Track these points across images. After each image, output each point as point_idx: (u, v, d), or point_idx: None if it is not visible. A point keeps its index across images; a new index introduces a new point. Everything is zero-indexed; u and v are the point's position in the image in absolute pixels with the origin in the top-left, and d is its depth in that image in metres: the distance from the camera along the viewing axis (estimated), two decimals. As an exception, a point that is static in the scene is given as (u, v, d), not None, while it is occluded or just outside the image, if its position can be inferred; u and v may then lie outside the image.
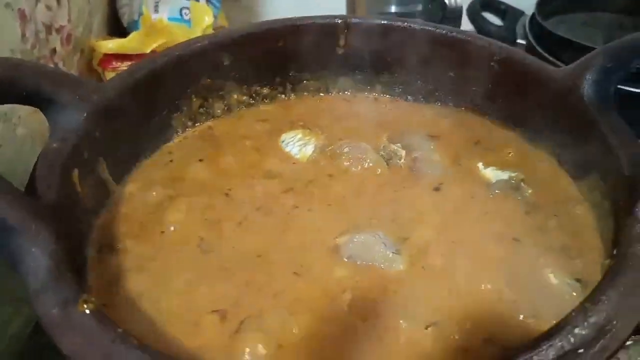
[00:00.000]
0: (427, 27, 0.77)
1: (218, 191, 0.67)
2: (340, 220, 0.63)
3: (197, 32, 1.12)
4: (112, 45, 1.05)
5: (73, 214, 0.56)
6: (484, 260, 0.58)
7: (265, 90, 0.81)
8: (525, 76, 0.71)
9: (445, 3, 1.28)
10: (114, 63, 1.06)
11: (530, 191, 0.66)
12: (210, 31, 1.14)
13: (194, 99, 0.75)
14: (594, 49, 0.66)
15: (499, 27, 1.37)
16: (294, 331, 0.51)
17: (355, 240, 0.59)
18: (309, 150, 0.73)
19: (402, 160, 0.71)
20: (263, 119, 0.79)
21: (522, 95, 0.71)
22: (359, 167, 0.70)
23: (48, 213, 0.49)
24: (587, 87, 0.64)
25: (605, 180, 0.61)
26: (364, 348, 0.50)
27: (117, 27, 1.20)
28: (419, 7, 1.27)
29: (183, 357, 0.49)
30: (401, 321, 0.52)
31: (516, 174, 0.68)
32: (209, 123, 0.78)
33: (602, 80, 0.63)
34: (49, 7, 0.90)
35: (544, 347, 0.42)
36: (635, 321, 0.44)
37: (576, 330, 0.43)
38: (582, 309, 0.44)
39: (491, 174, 0.69)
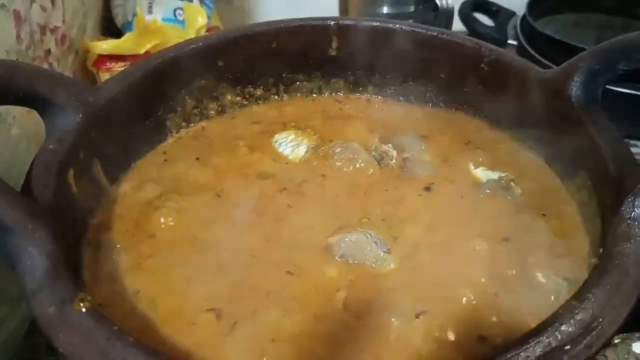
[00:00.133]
0: (418, 29, 0.78)
1: (212, 191, 0.67)
2: (332, 220, 0.63)
3: (191, 33, 1.12)
4: (106, 46, 1.06)
5: (69, 213, 0.57)
6: (474, 259, 0.59)
7: (259, 92, 0.82)
8: (515, 77, 0.72)
9: (436, 4, 1.28)
10: (108, 64, 1.06)
11: (519, 191, 0.67)
12: (204, 32, 1.14)
13: (188, 100, 0.76)
14: (584, 49, 0.67)
15: (490, 27, 1.37)
16: (288, 329, 0.52)
17: (347, 239, 0.60)
18: (302, 150, 0.73)
19: (394, 161, 0.72)
20: (256, 119, 0.80)
21: (512, 97, 0.72)
22: (351, 167, 0.70)
23: (44, 213, 0.50)
24: (575, 88, 0.64)
25: (593, 180, 0.62)
26: (357, 345, 0.51)
27: (111, 28, 1.20)
28: (411, 9, 1.27)
29: (178, 355, 0.50)
30: (393, 319, 0.53)
31: (506, 174, 0.68)
32: (203, 124, 0.78)
33: (589, 81, 0.64)
34: (43, 8, 0.90)
35: (532, 343, 0.43)
36: (621, 319, 0.45)
37: (563, 327, 0.44)
38: (569, 307, 0.45)
39: (481, 174, 0.69)
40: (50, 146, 0.57)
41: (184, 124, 0.77)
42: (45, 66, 0.91)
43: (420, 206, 0.66)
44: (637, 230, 0.51)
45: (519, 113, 0.72)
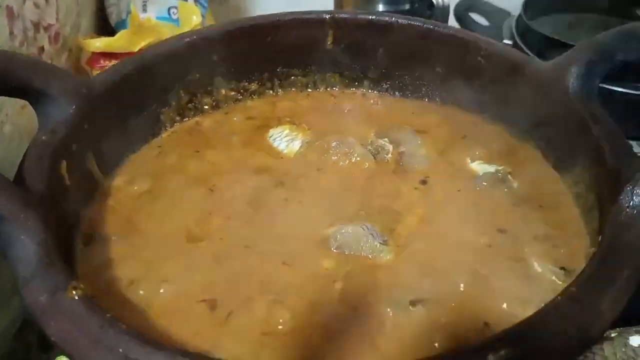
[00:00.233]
0: (414, 23, 0.78)
1: (206, 185, 0.67)
2: (328, 213, 0.63)
3: (185, 32, 1.12)
4: (100, 43, 1.05)
5: (62, 204, 0.56)
6: (470, 250, 0.59)
7: (253, 86, 0.81)
8: (512, 70, 0.71)
9: (432, 2, 1.28)
10: (101, 62, 1.05)
11: (516, 184, 0.66)
12: (198, 31, 1.14)
13: (182, 94, 0.75)
14: (579, 48, 0.67)
15: (486, 27, 1.37)
16: (283, 319, 0.52)
17: (344, 231, 0.60)
18: (297, 145, 0.73)
19: (389, 155, 0.71)
20: (251, 114, 0.79)
21: (509, 90, 0.72)
22: (347, 161, 0.70)
23: (37, 203, 0.50)
24: (572, 80, 0.64)
25: (590, 171, 0.61)
26: (354, 335, 0.51)
27: (105, 27, 1.19)
28: (406, 6, 1.27)
29: (172, 344, 0.49)
30: (389, 309, 0.53)
31: (503, 167, 0.68)
32: (197, 118, 0.78)
33: (587, 73, 0.64)
34: (37, 5, 0.90)
35: (531, 330, 0.43)
36: (620, 306, 0.45)
37: (562, 313, 0.43)
38: (568, 294, 0.45)
39: (478, 167, 0.69)
40: (43, 137, 0.57)
41: (178, 118, 0.76)
42: (39, 62, 0.90)
43: (417, 199, 0.66)
44: (636, 218, 0.50)
45: (516, 106, 0.71)
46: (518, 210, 0.64)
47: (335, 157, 0.70)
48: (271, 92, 0.82)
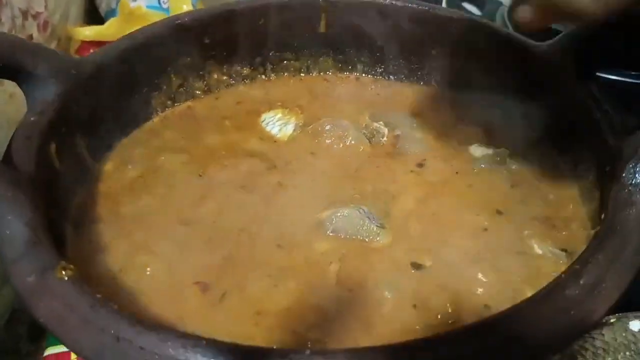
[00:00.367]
0: (409, 4, 0.76)
1: (199, 169, 0.66)
2: (323, 197, 0.62)
3: (176, 21, 1.11)
4: (89, 32, 1.04)
5: (51, 187, 0.55)
6: (468, 232, 0.58)
7: (246, 71, 0.80)
8: (508, 51, 0.71)
9: (425, -9, 1.28)
10: (91, 51, 1.04)
11: (515, 166, 0.66)
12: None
13: (174, 78, 0.74)
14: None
15: (478, 16, 1.36)
16: (278, 299, 0.51)
17: (339, 214, 0.59)
18: (290, 129, 0.72)
19: (385, 138, 0.70)
20: (243, 99, 0.78)
21: (506, 71, 0.71)
22: (341, 144, 0.69)
23: (25, 183, 0.49)
24: (569, 58, 0.64)
25: (590, 151, 0.60)
26: (349, 316, 0.50)
27: (94, 16, 1.18)
28: (399, -5, 1.27)
29: (163, 325, 0.48)
30: (386, 292, 0.52)
31: (501, 149, 0.67)
32: (189, 103, 0.76)
33: (584, 51, 0.63)
34: (25, -7, 0.89)
35: (536, 308, 0.42)
36: (624, 284, 0.44)
37: (567, 292, 0.42)
38: (573, 271, 0.44)
39: (476, 150, 0.68)
40: (32, 118, 0.56)
41: (169, 102, 0.75)
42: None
43: (413, 182, 0.65)
44: (638, 196, 0.50)
45: (514, 88, 0.70)
46: (516, 192, 0.63)
47: (329, 141, 0.69)
48: (264, 76, 0.81)
